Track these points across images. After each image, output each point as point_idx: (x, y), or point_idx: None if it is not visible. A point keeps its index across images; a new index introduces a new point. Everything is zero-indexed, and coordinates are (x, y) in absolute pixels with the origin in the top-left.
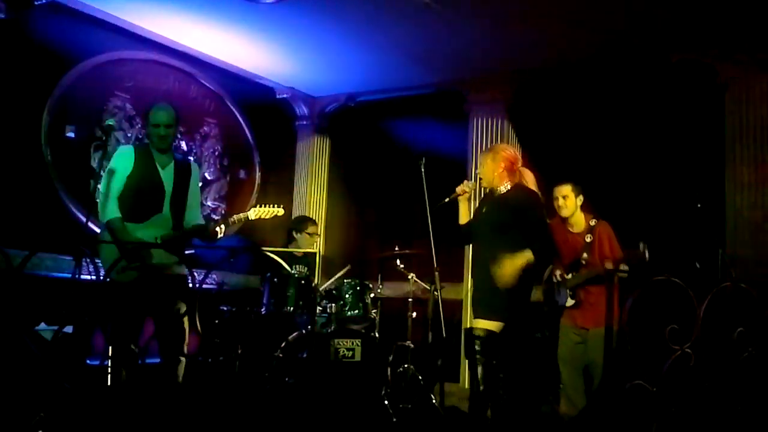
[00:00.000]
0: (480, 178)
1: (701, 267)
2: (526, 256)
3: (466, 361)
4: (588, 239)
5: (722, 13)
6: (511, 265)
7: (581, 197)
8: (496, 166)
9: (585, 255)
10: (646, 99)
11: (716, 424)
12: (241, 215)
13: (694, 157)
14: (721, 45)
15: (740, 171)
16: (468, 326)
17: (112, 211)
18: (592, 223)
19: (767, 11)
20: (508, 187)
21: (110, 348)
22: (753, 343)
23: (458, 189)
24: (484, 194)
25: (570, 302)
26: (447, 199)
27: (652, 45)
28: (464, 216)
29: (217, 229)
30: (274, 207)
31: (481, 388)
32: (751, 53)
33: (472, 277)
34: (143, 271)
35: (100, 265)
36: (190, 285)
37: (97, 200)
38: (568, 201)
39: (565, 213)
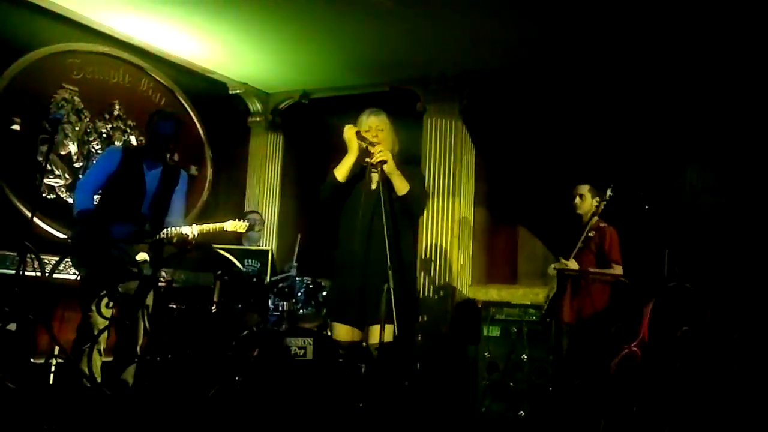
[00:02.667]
0: (372, 146)
1: (648, 268)
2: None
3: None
4: (590, 234)
5: None
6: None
7: (598, 198)
8: (394, 141)
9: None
10: (597, 99)
11: (662, 420)
12: (218, 226)
13: (636, 158)
14: None
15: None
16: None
17: (81, 202)
18: (602, 224)
19: None
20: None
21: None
22: (697, 341)
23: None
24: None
25: (573, 263)
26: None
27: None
28: (346, 172)
29: (190, 235)
30: (243, 221)
31: None
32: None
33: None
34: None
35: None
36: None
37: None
38: (585, 201)
39: (580, 211)
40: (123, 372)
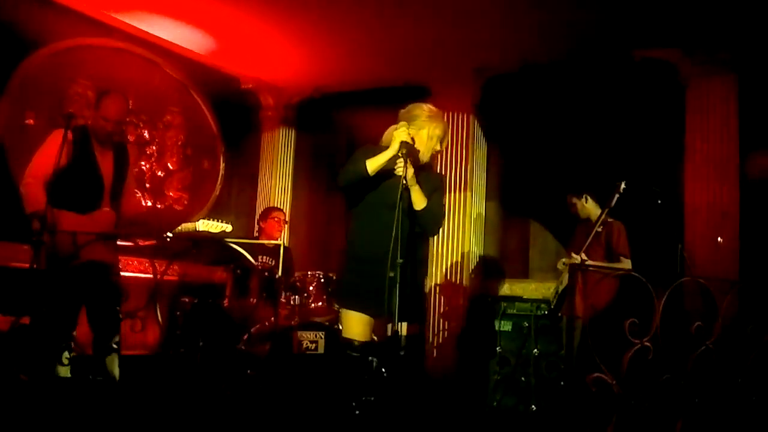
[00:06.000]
0: (412, 147)
1: (661, 262)
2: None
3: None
4: (599, 228)
5: (684, 14)
6: None
7: (586, 197)
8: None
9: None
10: (610, 96)
11: (674, 416)
12: (189, 225)
13: (656, 153)
14: (682, 45)
15: (699, 168)
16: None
17: (39, 201)
18: (609, 219)
19: (726, 14)
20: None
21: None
22: (710, 337)
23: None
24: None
25: (579, 258)
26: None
27: (616, 43)
28: (378, 167)
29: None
30: (223, 222)
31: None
32: (710, 54)
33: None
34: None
35: None
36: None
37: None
38: (578, 207)
39: (581, 217)
40: (107, 365)
